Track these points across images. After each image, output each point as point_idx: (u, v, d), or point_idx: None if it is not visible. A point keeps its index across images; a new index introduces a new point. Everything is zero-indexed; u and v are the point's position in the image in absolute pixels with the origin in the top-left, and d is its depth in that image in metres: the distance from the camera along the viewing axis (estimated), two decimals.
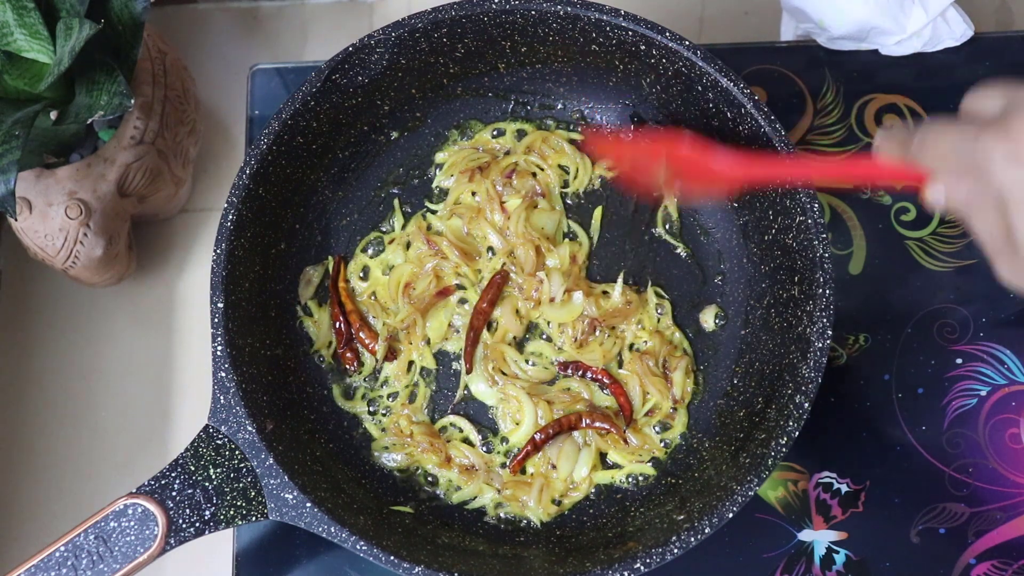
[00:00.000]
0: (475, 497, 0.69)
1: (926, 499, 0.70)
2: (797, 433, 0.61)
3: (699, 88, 0.68)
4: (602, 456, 0.70)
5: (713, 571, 0.69)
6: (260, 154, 0.66)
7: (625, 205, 0.75)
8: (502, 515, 0.69)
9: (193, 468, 0.62)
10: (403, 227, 0.74)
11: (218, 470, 0.62)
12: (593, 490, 0.69)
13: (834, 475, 0.71)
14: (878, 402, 0.72)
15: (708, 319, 0.72)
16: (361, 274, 0.73)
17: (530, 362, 0.71)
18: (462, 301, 0.72)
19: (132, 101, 0.62)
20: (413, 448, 0.69)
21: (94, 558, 0.59)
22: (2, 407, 0.76)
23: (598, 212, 0.74)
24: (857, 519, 0.70)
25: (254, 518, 0.61)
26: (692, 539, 0.60)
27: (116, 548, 0.60)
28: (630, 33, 0.67)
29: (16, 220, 0.66)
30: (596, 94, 0.74)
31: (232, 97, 0.83)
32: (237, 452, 0.62)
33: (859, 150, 0.52)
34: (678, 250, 0.74)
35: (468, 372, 0.70)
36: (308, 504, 0.61)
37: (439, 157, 0.75)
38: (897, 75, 0.78)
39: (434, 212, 0.74)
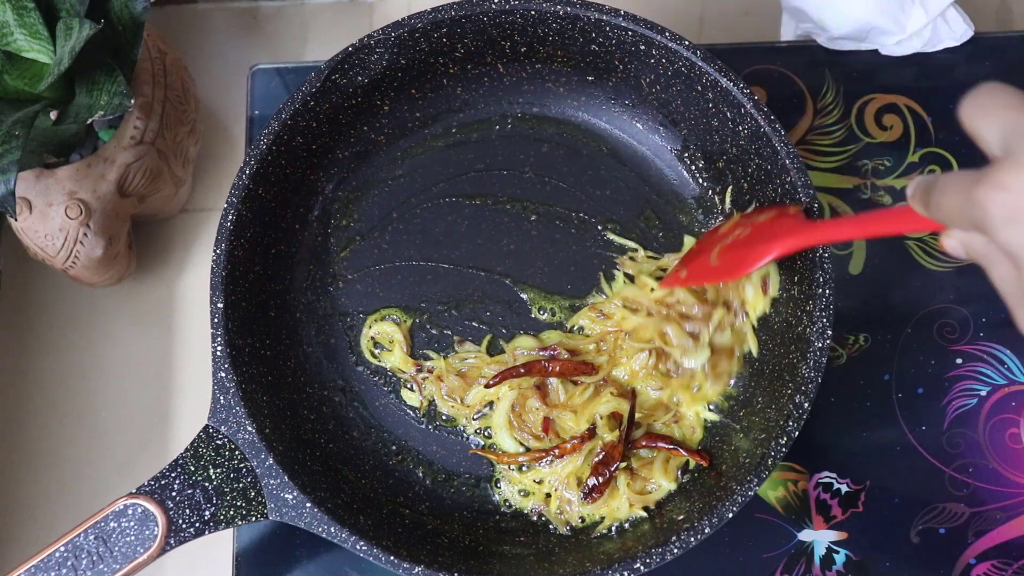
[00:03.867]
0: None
1: (926, 499, 0.70)
2: (797, 433, 0.61)
3: (699, 88, 0.68)
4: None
5: (713, 571, 0.69)
6: (260, 154, 0.66)
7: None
8: (506, 512, 0.69)
9: (193, 468, 0.62)
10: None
11: (218, 470, 0.62)
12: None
13: (834, 475, 0.71)
14: (878, 402, 0.72)
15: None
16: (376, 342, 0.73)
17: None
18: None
19: (132, 101, 0.62)
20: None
21: (94, 558, 0.59)
22: (2, 407, 0.76)
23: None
24: (857, 519, 0.70)
25: (254, 518, 0.61)
26: (692, 539, 0.60)
27: (116, 548, 0.60)
28: (630, 33, 0.67)
29: (16, 220, 0.66)
30: (596, 94, 0.74)
31: (232, 97, 0.83)
32: (237, 452, 0.62)
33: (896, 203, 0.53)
34: None
35: (487, 386, 0.69)
36: (308, 504, 0.61)
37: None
38: (897, 75, 0.78)
39: None
